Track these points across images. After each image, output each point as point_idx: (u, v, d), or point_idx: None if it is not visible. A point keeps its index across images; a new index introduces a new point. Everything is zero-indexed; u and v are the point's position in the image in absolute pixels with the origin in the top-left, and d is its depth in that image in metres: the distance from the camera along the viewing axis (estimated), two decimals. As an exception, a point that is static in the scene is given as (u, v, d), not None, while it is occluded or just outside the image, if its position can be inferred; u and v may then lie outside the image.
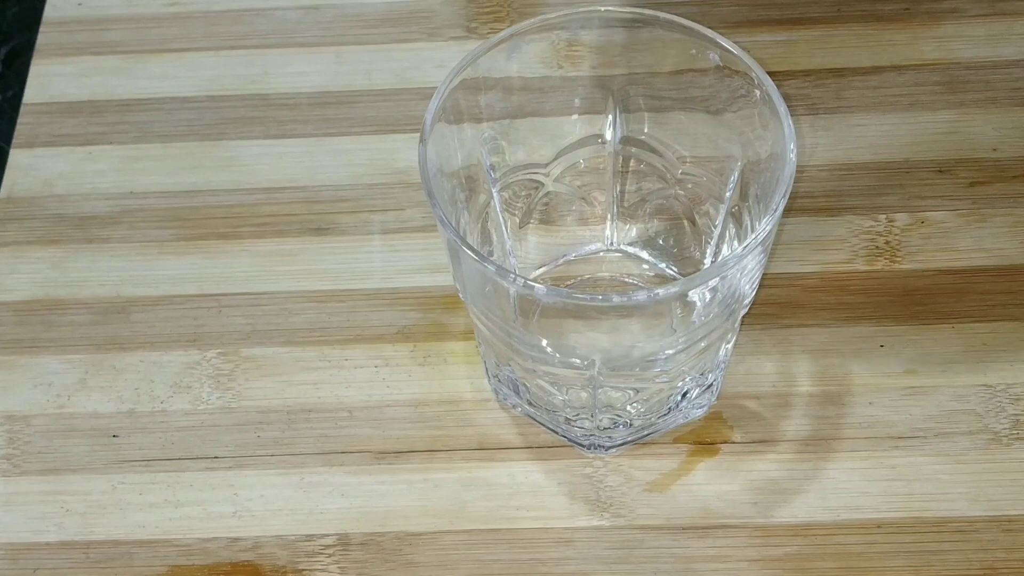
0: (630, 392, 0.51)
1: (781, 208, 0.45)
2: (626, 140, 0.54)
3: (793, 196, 0.58)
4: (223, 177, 0.61)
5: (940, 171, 0.59)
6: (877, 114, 0.61)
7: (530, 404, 0.53)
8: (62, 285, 0.58)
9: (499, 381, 0.53)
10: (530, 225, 0.55)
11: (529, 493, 0.52)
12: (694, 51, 0.50)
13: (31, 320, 0.57)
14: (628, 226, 0.56)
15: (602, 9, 0.50)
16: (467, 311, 0.53)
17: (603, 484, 0.52)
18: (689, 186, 0.54)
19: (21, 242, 0.60)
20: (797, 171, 0.48)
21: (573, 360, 0.48)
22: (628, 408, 0.51)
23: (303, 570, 0.51)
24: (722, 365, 0.52)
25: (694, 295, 0.46)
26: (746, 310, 0.51)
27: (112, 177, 0.61)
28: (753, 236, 0.45)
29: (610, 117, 0.53)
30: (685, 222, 0.55)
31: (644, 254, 0.56)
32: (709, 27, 0.49)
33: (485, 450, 0.53)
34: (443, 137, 0.49)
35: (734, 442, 0.53)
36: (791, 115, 0.47)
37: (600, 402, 0.50)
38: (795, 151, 0.46)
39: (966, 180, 0.59)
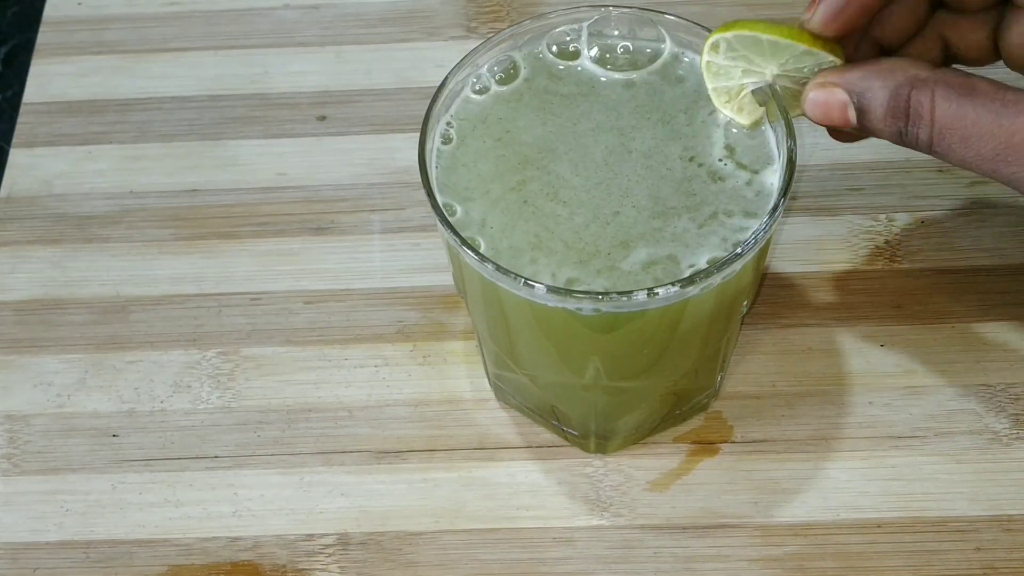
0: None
1: (781, 208, 0.45)
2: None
3: (793, 196, 0.58)
4: (223, 177, 0.61)
5: (940, 171, 0.59)
6: (877, 114, 0.61)
7: (530, 403, 0.53)
8: (62, 285, 0.58)
9: (499, 380, 0.53)
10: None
11: (529, 493, 0.52)
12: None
13: (31, 320, 0.57)
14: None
15: (602, 9, 0.50)
16: (467, 311, 0.53)
17: (603, 484, 0.52)
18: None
19: (21, 242, 0.60)
20: (797, 171, 0.48)
21: (573, 360, 0.48)
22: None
23: (303, 570, 0.51)
24: (722, 365, 0.52)
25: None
26: (746, 310, 0.51)
27: (112, 177, 0.61)
28: (752, 236, 0.45)
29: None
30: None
31: None
32: (709, 27, 0.49)
33: (485, 450, 0.53)
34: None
35: (734, 442, 0.53)
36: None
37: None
38: (795, 151, 0.46)
39: (966, 180, 0.59)
